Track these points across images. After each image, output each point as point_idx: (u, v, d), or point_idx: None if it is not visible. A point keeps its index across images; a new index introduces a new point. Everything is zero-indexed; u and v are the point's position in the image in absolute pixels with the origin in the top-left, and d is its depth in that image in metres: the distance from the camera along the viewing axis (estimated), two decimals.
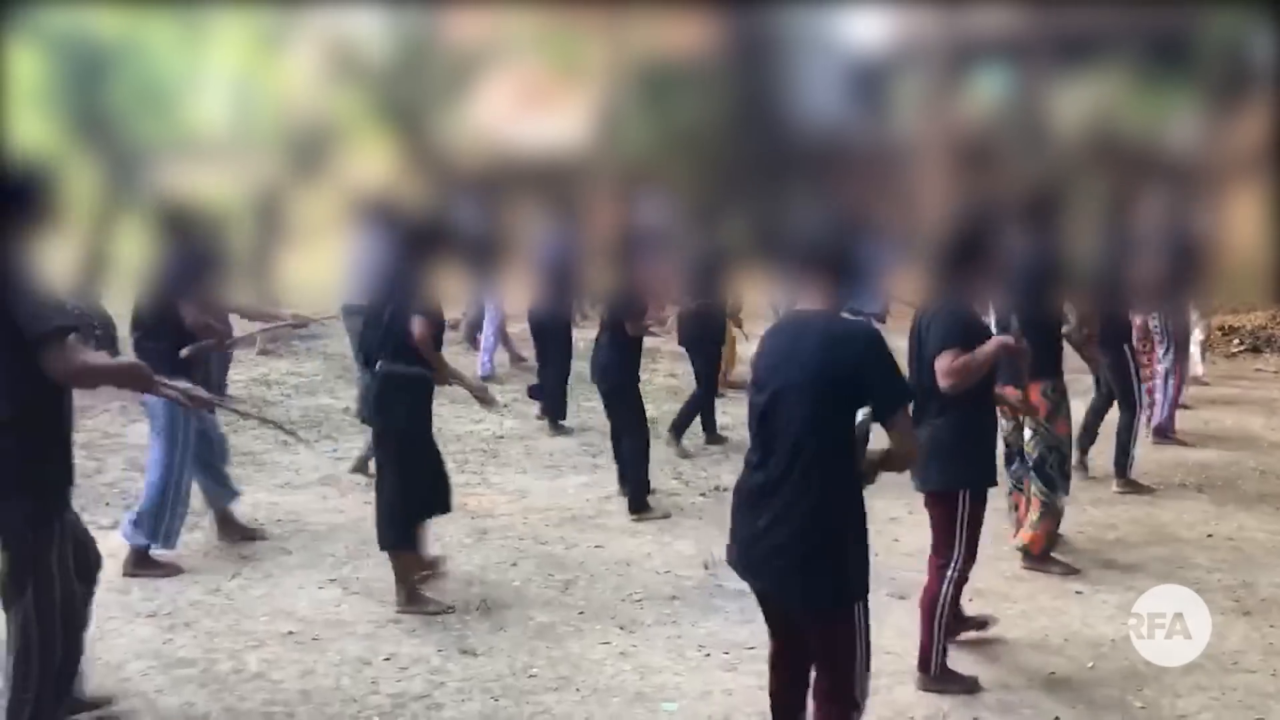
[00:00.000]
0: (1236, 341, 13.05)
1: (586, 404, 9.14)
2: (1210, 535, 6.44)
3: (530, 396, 9.01)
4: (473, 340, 10.91)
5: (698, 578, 5.65)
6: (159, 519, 5.43)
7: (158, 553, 5.52)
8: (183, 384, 4.02)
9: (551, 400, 8.80)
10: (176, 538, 5.54)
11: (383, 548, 5.24)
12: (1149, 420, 8.25)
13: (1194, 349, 9.82)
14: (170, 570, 5.51)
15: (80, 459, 5.06)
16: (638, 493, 6.69)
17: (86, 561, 3.87)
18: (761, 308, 9.45)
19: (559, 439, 8.48)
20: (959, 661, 4.54)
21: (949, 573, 4.37)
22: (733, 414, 8.52)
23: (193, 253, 3.93)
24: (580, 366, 9.02)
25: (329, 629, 4.95)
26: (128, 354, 5.07)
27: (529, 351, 10.09)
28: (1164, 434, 8.48)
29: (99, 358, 3.78)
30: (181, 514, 5.56)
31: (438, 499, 5.44)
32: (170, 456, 5.43)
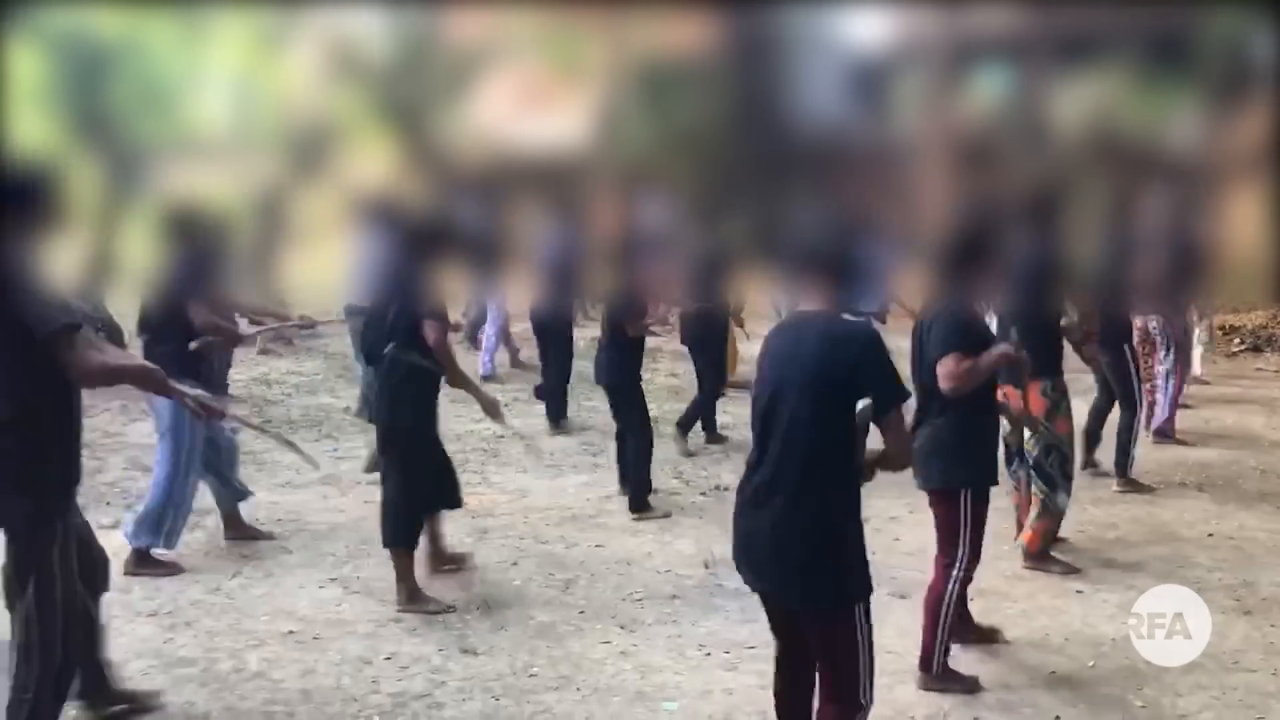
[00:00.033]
0: (1237, 341, 13.06)
1: (587, 403, 9.15)
2: (1211, 534, 6.44)
3: (537, 397, 9.02)
4: (474, 340, 10.92)
5: (698, 577, 5.65)
6: (162, 520, 5.45)
7: (158, 552, 5.53)
8: (196, 391, 4.03)
9: (552, 400, 8.81)
10: (178, 538, 5.56)
11: (385, 545, 5.25)
12: (1149, 421, 8.25)
13: (1195, 349, 9.83)
14: (171, 569, 5.51)
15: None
16: (639, 492, 6.69)
17: (92, 568, 3.87)
18: (763, 308, 9.47)
19: (559, 438, 8.49)
20: (960, 661, 4.54)
21: (955, 572, 4.37)
22: (733, 414, 8.52)
23: (199, 255, 3.93)
24: (581, 366, 9.03)
25: (330, 628, 4.95)
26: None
27: (529, 352, 10.10)
28: (1164, 434, 8.49)
29: (116, 356, 3.78)
30: (185, 515, 5.57)
31: (443, 495, 5.46)
32: (175, 458, 5.45)
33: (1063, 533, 5.97)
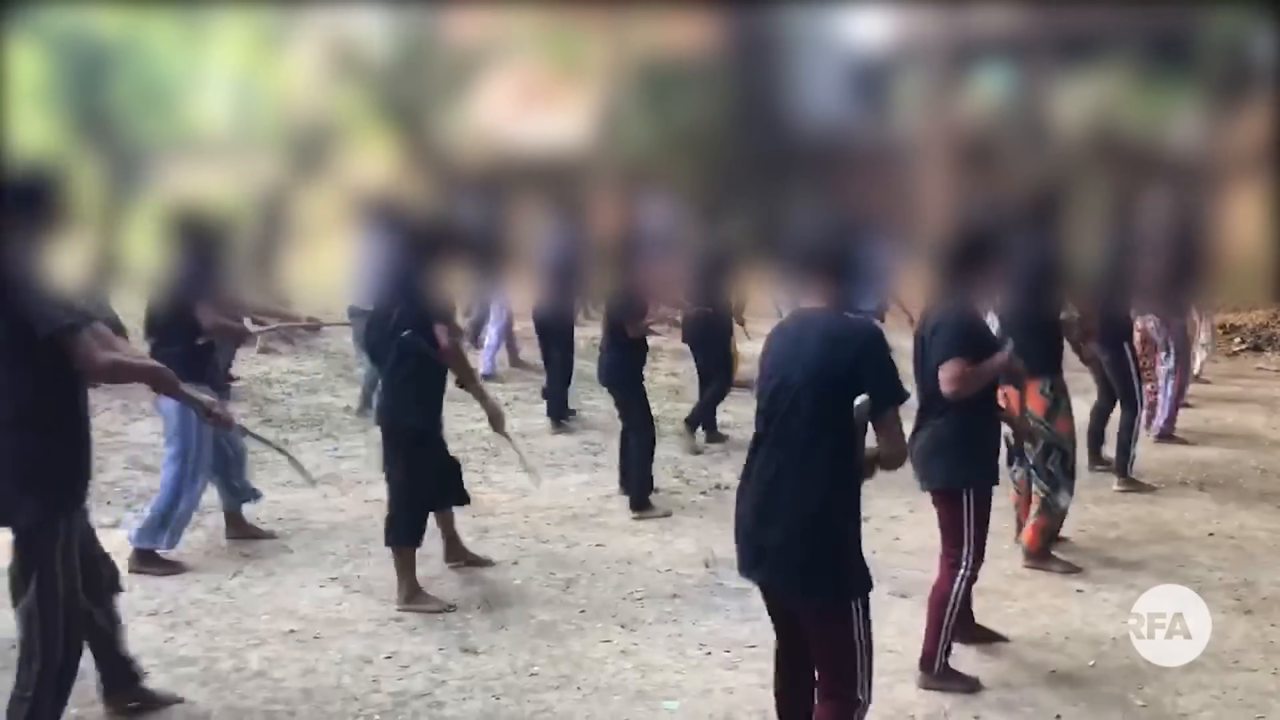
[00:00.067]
0: (1238, 340, 13.06)
1: (588, 402, 9.15)
2: (1211, 533, 6.44)
3: (545, 398, 9.02)
4: (475, 339, 10.92)
5: (699, 576, 5.65)
6: (166, 521, 5.46)
7: (161, 551, 5.53)
8: (206, 398, 4.04)
9: (553, 399, 8.81)
10: (179, 538, 5.56)
11: (387, 545, 5.25)
12: (1149, 421, 8.25)
13: (1196, 350, 9.83)
14: (172, 569, 5.52)
15: None
16: (641, 491, 6.70)
17: (96, 577, 3.86)
18: (765, 307, 9.47)
19: (560, 437, 8.49)
20: (961, 660, 4.54)
21: (960, 571, 4.37)
22: (734, 413, 8.53)
23: (205, 256, 3.94)
24: (582, 365, 9.04)
25: (330, 627, 4.95)
26: None
27: (529, 351, 10.10)
28: (1165, 434, 8.49)
29: (128, 354, 3.79)
30: (189, 517, 5.58)
31: (449, 494, 5.47)
32: (183, 460, 5.46)
33: (1063, 532, 5.98)
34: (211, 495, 5.97)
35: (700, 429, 8.33)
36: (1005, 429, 4.82)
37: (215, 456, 5.65)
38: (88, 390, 3.66)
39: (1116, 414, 7.28)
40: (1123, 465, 7.23)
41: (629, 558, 5.93)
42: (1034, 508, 5.71)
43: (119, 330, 4.85)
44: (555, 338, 8.84)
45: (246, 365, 10.14)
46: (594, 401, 9.09)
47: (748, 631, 4.78)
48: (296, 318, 6.21)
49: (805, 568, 3.26)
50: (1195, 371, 10.04)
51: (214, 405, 4.04)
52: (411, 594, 5.15)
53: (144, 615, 5.01)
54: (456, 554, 5.68)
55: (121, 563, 5.27)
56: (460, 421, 8.09)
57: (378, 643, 4.80)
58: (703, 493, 7.14)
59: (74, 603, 3.58)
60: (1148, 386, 7.85)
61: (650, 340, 7.33)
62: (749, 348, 8.40)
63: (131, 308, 5.32)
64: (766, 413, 3.34)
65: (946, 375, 4.26)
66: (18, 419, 3.46)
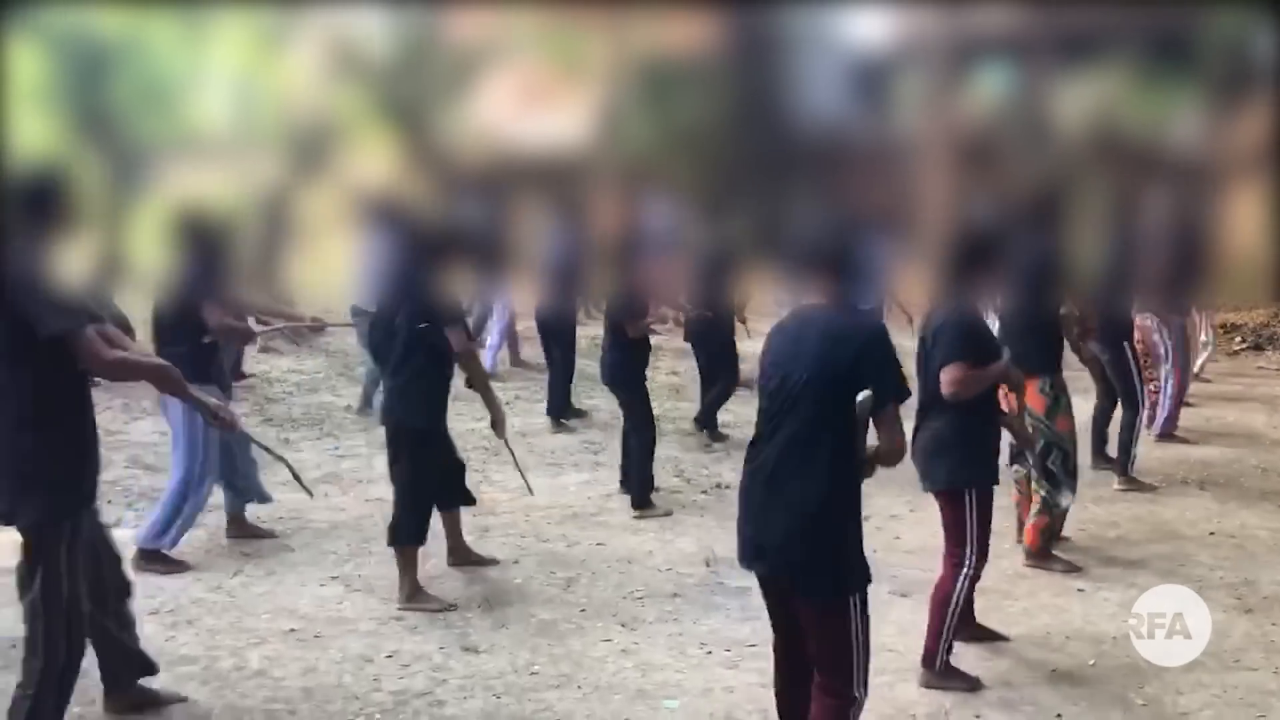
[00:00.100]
0: (1238, 339, 13.05)
1: (589, 401, 9.15)
2: (1212, 533, 6.44)
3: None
4: (476, 338, 10.92)
5: (699, 575, 5.65)
6: (171, 522, 5.46)
7: (165, 549, 5.54)
8: (213, 400, 4.04)
9: (555, 398, 8.82)
10: (181, 537, 5.56)
11: (390, 544, 5.25)
12: (1150, 420, 8.24)
13: (1198, 348, 9.83)
14: (175, 567, 5.52)
15: None
16: (642, 490, 6.70)
17: (99, 582, 3.86)
18: (767, 305, 9.46)
19: (560, 436, 8.49)
20: (962, 659, 4.54)
21: (964, 571, 4.38)
22: (734, 412, 8.52)
23: (209, 256, 3.94)
24: (583, 364, 9.03)
25: (331, 626, 4.95)
26: None
27: (530, 351, 10.09)
28: (1166, 433, 8.48)
29: (135, 352, 3.79)
30: (194, 519, 5.59)
31: (451, 493, 5.48)
32: (190, 461, 5.46)
33: (1064, 531, 5.98)
34: (212, 494, 5.97)
35: (702, 428, 8.34)
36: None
37: (221, 458, 5.65)
38: (91, 392, 3.66)
39: (1118, 413, 7.28)
40: (1124, 464, 7.23)
41: (630, 557, 5.93)
42: (1034, 507, 5.71)
43: (127, 329, 4.87)
44: (557, 337, 8.84)
45: (247, 364, 10.14)
46: (594, 401, 9.09)
47: (748, 630, 4.78)
48: (300, 317, 6.22)
49: (806, 567, 3.27)
50: (1196, 370, 10.04)
51: (220, 408, 4.04)
52: (413, 593, 5.15)
53: (145, 614, 4.99)
54: (461, 557, 5.68)
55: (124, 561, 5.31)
56: (461, 420, 8.08)
57: (378, 641, 4.81)
58: (703, 492, 7.14)
59: (78, 603, 3.58)
60: (1149, 386, 7.84)
61: (652, 340, 7.34)
62: (750, 347, 8.40)
63: (136, 308, 5.32)
64: (767, 411, 3.36)
65: (947, 378, 4.29)
66: (22, 419, 3.47)
